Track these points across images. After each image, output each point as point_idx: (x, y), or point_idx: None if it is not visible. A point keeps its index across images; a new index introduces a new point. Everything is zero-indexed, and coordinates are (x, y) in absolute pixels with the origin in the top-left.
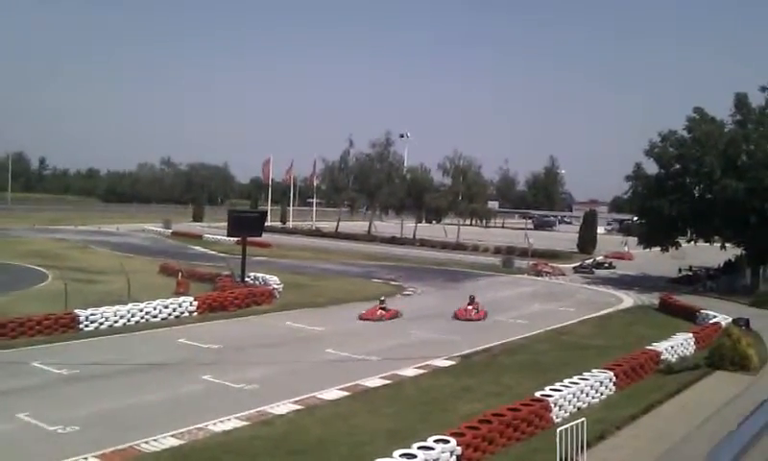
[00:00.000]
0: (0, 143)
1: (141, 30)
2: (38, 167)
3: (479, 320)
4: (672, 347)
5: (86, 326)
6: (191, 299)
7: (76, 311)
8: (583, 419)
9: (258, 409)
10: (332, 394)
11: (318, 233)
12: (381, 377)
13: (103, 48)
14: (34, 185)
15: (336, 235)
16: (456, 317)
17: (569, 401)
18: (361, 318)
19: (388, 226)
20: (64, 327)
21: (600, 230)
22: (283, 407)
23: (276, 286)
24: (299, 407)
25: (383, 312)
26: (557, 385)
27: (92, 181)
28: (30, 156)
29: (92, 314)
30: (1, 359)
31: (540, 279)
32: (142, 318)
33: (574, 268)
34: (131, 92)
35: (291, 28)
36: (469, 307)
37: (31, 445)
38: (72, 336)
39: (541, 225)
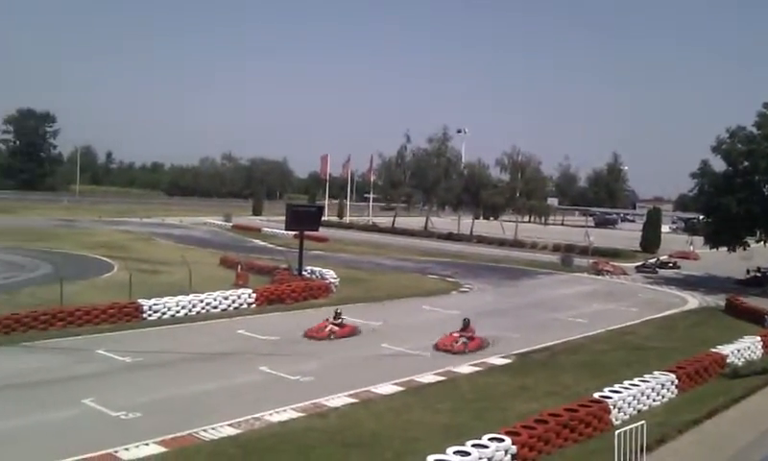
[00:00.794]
0: (69, 138)
1: (205, 26)
2: (105, 161)
3: (461, 352)
4: (738, 350)
5: (150, 315)
6: (250, 291)
7: (140, 301)
8: (643, 422)
9: (313, 401)
10: (386, 388)
11: (374, 228)
12: (436, 374)
13: (166, 45)
14: (100, 179)
15: (392, 231)
16: (436, 347)
17: (629, 404)
18: (306, 335)
19: (444, 222)
20: (128, 315)
21: (665, 228)
22: (338, 400)
23: (332, 280)
24: (353, 401)
25: (335, 328)
26: (616, 386)
27: (156, 174)
28: (97, 150)
29: (155, 304)
30: (68, 346)
31: (600, 277)
32: (203, 309)
33: (636, 267)
34: (194, 89)
35: (348, 25)
36: (455, 334)
37: (95, 429)
38: (136, 325)
39: (603, 222)
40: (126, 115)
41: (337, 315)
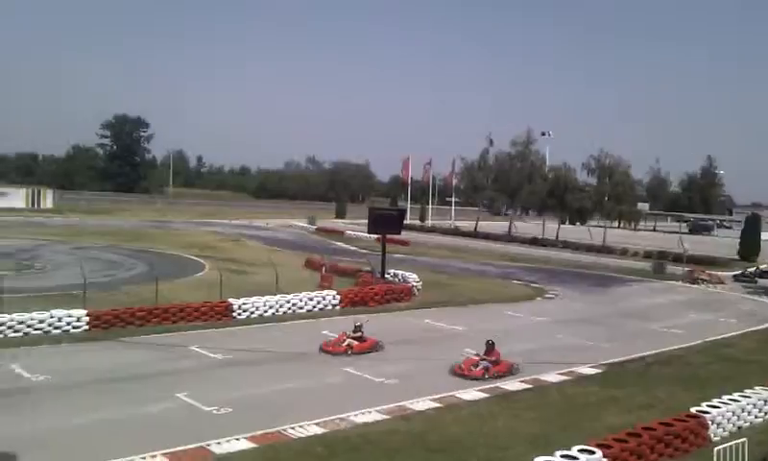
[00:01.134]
0: (164, 143)
1: (299, 37)
2: (196, 165)
3: (479, 378)
4: None
5: (239, 314)
6: (334, 292)
7: (230, 300)
8: (744, 439)
9: (398, 404)
10: (471, 394)
11: (456, 232)
12: (522, 381)
13: (259, 55)
14: (192, 182)
15: (475, 235)
16: (453, 372)
17: (729, 420)
18: (323, 349)
19: (528, 226)
20: (219, 314)
21: (765, 235)
22: (422, 404)
23: (414, 284)
24: (437, 405)
25: (353, 342)
26: (715, 401)
27: (244, 178)
28: (189, 154)
29: (244, 303)
30: (164, 342)
31: (695, 286)
32: (289, 309)
33: (734, 276)
34: (279, 95)
35: (427, 28)
36: (475, 358)
37: (189, 423)
38: (226, 323)
39: (698, 229)
40: (216, 120)
41: (357, 328)
